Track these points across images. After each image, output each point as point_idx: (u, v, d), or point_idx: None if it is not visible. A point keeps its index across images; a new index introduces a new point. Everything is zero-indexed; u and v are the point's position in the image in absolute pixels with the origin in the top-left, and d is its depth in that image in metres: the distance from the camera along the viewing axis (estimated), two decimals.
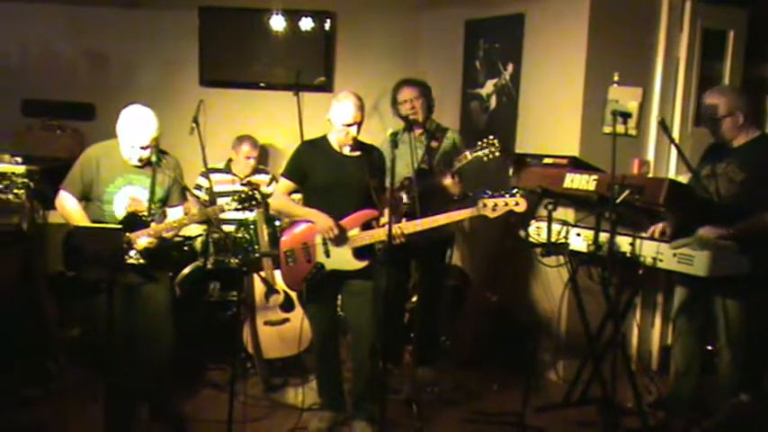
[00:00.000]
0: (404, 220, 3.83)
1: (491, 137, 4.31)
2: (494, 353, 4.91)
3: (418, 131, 4.71)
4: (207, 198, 4.76)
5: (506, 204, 3.72)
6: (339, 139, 3.92)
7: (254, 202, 3.91)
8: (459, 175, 4.48)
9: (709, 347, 4.23)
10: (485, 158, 4.31)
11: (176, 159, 4.02)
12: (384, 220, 3.80)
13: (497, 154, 4.29)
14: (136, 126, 3.75)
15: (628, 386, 4.16)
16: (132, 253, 3.75)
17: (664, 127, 4.08)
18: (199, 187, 5.19)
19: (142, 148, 3.76)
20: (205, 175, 4.97)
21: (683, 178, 4.43)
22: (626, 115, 4.21)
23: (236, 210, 3.92)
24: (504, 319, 4.96)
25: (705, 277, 3.68)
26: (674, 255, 3.78)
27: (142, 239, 3.75)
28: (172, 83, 5.84)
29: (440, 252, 4.86)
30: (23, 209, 4.60)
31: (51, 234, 4.57)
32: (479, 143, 4.33)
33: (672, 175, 4.90)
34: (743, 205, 3.83)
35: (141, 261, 3.78)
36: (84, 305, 3.83)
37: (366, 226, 3.88)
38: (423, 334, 4.79)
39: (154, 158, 3.80)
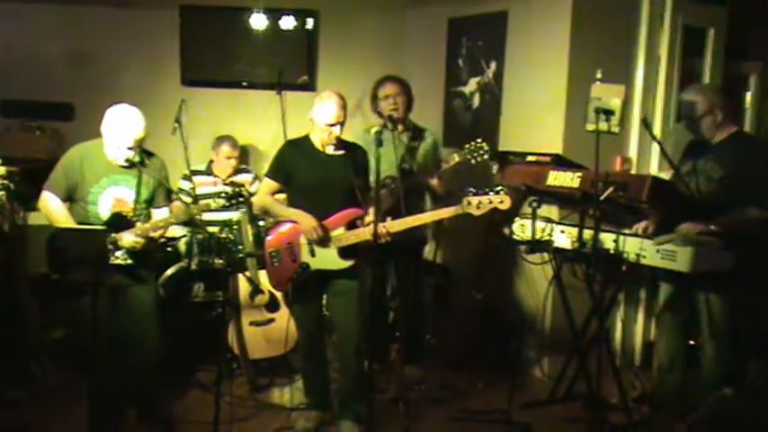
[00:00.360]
0: (388, 218, 3.82)
1: (479, 140, 4.33)
2: (479, 351, 4.92)
3: (399, 129, 4.70)
4: (190, 201, 4.73)
5: (491, 202, 3.72)
6: (322, 139, 3.91)
7: (240, 199, 3.89)
8: (442, 175, 4.49)
9: (692, 342, 4.26)
10: (473, 161, 4.32)
11: (162, 160, 3.99)
12: (369, 218, 3.79)
13: (485, 157, 4.30)
14: (122, 126, 3.71)
15: (612, 382, 4.18)
16: (119, 253, 3.73)
17: (646, 125, 4.12)
18: (181, 191, 5.15)
19: (129, 148, 3.73)
20: (187, 178, 4.94)
21: (665, 175, 4.47)
22: (609, 113, 4.23)
23: (223, 207, 3.90)
24: (489, 317, 4.98)
25: (688, 273, 3.71)
26: (658, 251, 3.80)
27: (128, 238, 3.72)
28: (153, 82, 5.79)
29: (413, 251, 4.86)
30: (4, 210, 4.54)
31: (32, 235, 4.53)
32: (467, 146, 4.33)
33: (654, 171, 4.94)
34: (723, 201, 3.87)
35: (129, 261, 3.75)
36: (69, 307, 3.80)
37: (351, 225, 3.87)
38: (408, 333, 4.79)
39: (137, 159, 3.77)
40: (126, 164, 3.80)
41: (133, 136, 3.72)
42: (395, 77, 4.74)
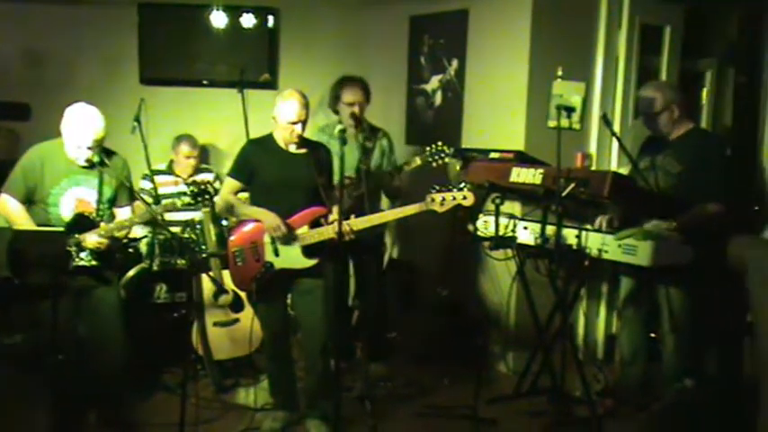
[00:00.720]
0: (352, 216, 3.82)
1: (440, 142, 4.34)
2: (445, 347, 4.94)
3: (357, 130, 4.70)
4: (152, 201, 4.67)
5: (454, 199, 3.73)
6: (285, 138, 3.89)
7: (206, 197, 3.85)
8: (403, 177, 4.52)
9: (653, 335, 4.34)
10: (434, 164, 4.34)
11: (124, 159, 3.94)
12: (333, 217, 3.78)
13: (446, 160, 4.32)
14: (81, 125, 3.66)
15: (576, 376, 4.23)
16: (84, 254, 3.67)
17: (606, 122, 4.17)
18: (143, 190, 5.08)
19: (88, 147, 3.67)
20: (148, 177, 4.88)
21: (624, 170, 4.53)
22: (570, 110, 4.29)
23: (189, 205, 3.85)
24: (454, 314, 5.00)
25: (649, 267, 3.77)
26: (619, 246, 3.87)
27: (92, 238, 3.66)
28: (111, 81, 5.69)
29: (374, 248, 4.87)
30: None
31: None
32: (428, 148, 4.35)
33: (614, 167, 5.00)
34: (681, 196, 3.94)
35: (93, 263, 3.69)
36: (30, 311, 3.73)
37: (315, 224, 3.86)
38: (372, 330, 4.80)
39: (97, 158, 3.71)
40: (86, 164, 3.74)
41: (92, 135, 3.67)
42: (357, 80, 4.69)
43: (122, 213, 3.90)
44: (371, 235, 4.46)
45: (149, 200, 4.69)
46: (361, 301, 4.91)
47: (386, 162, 4.76)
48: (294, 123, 3.81)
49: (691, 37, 5.47)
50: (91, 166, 3.75)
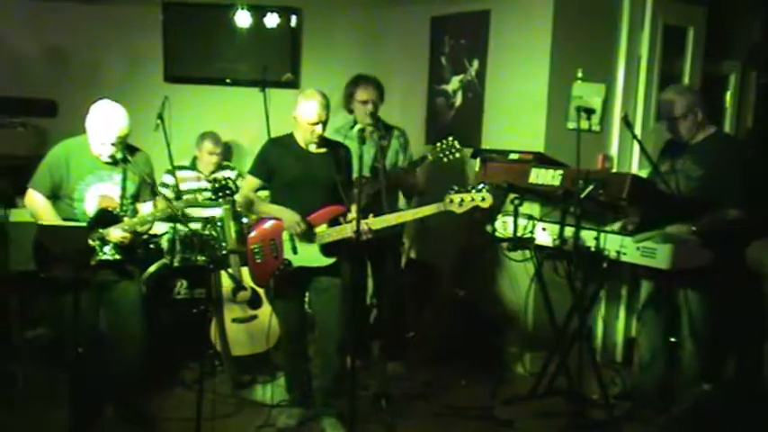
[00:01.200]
0: (370, 216, 3.83)
1: (450, 138, 4.31)
2: (462, 347, 4.94)
3: (367, 129, 4.70)
4: (173, 196, 4.72)
5: (473, 200, 3.73)
6: (305, 137, 3.92)
7: (227, 192, 3.88)
8: (416, 173, 4.52)
9: (673, 339, 4.31)
10: (444, 159, 4.32)
11: (147, 155, 3.99)
12: (351, 216, 3.81)
13: (457, 155, 4.30)
14: (106, 122, 3.71)
15: (593, 378, 4.22)
16: (107, 249, 3.72)
17: (627, 123, 4.14)
18: (165, 185, 5.15)
19: (112, 144, 3.72)
20: (171, 172, 4.93)
21: (645, 173, 4.51)
22: (590, 111, 4.25)
23: (210, 200, 3.89)
24: (471, 314, 5.01)
25: (668, 270, 3.75)
26: (638, 248, 3.85)
27: (116, 233, 3.71)
28: (136, 79, 5.75)
29: (392, 248, 4.87)
30: None
31: (14, 233, 4.49)
32: (438, 144, 4.33)
33: (635, 170, 4.98)
34: (702, 200, 3.91)
35: (117, 257, 3.75)
36: (53, 304, 3.79)
37: (333, 222, 3.88)
38: (390, 329, 4.81)
39: (121, 155, 3.76)
40: (110, 160, 3.79)
41: (116, 132, 3.72)
42: (371, 79, 4.69)
43: (145, 209, 3.95)
44: (390, 234, 4.48)
45: (171, 195, 4.74)
46: (379, 301, 4.93)
47: (400, 160, 4.77)
48: (314, 124, 3.84)
49: (715, 39, 5.43)
50: (115, 162, 3.81)
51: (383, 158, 4.60)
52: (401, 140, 4.81)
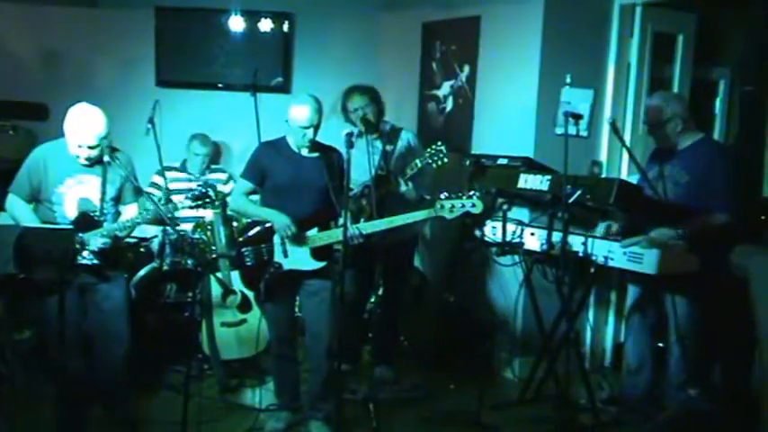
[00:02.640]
0: (362, 221, 3.85)
1: (438, 143, 4.31)
2: (451, 352, 4.95)
3: (374, 135, 4.70)
4: (160, 198, 4.71)
5: (463, 206, 3.76)
6: (297, 141, 3.93)
7: (207, 200, 3.87)
8: (411, 180, 4.50)
9: (660, 345, 4.32)
10: (433, 165, 4.34)
11: (128, 156, 3.96)
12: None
13: (445, 160, 4.30)
14: (82, 125, 3.69)
15: (581, 383, 4.23)
16: (85, 254, 3.71)
17: (614, 128, 4.17)
18: (154, 185, 5.16)
19: (90, 147, 3.71)
20: (160, 173, 4.94)
21: (634, 179, 4.53)
22: (577, 116, 4.29)
23: (190, 208, 3.88)
24: (461, 319, 5.02)
25: (654, 275, 3.77)
26: (625, 253, 3.86)
27: (95, 241, 3.71)
28: (128, 83, 5.78)
29: (403, 254, 4.88)
30: None
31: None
32: (427, 151, 4.33)
33: (624, 175, 5.00)
34: (689, 205, 3.94)
35: (95, 261, 3.74)
36: (37, 307, 3.78)
37: (324, 226, 3.90)
38: (382, 334, 4.81)
39: (106, 158, 3.75)
40: (88, 162, 3.78)
41: (93, 135, 3.69)
42: (361, 88, 4.70)
43: (128, 211, 3.93)
44: (400, 240, 4.48)
45: (158, 194, 4.74)
46: (381, 305, 4.89)
47: (408, 163, 4.73)
48: (306, 128, 3.85)
49: (704, 46, 5.46)
50: (93, 164, 3.79)
51: (387, 164, 4.59)
52: (406, 142, 4.78)
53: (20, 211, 3.77)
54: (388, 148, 4.67)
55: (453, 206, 3.76)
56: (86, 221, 3.72)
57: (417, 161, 4.40)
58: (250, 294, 4.62)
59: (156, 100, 4.64)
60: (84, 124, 3.69)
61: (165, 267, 4.85)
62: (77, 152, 3.73)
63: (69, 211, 3.76)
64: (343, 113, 4.75)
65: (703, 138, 4.14)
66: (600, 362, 5.19)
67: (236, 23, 5.81)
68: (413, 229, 4.71)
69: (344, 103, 4.72)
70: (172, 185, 5.00)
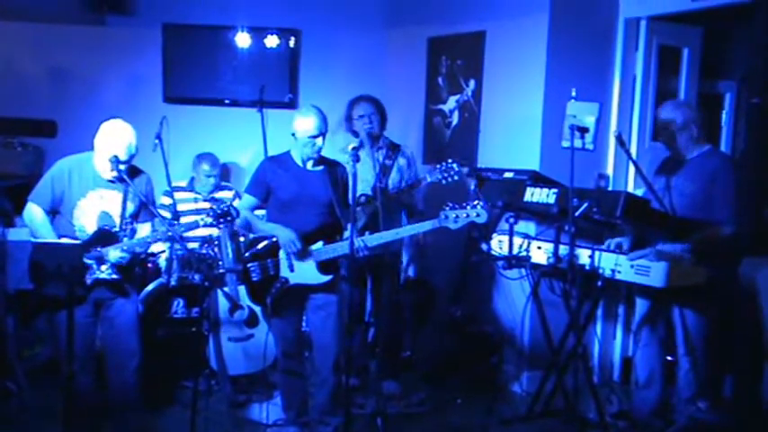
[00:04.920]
0: (366, 233, 3.86)
1: (450, 160, 4.34)
2: (458, 366, 4.93)
3: (375, 147, 4.73)
4: (170, 217, 4.73)
5: (468, 216, 3.76)
6: (304, 152, 3.95)
7: (229, 218, 3.86)
8: (415, 195, 4.52)
9: (670, 358, 4.30)
10: (443, 182, 4.35)
11: (148, 176, 4.03)
12: (348, 233, 3.82)
13: (456, 178, 4.32)
14: (116, 139, 3.75)
15: (590, 397, 4.21)
16: (104, 267, 3.74)
17: (620, 141, 4.16)
18: (162, 205, 5.16)
19: (120, 161, 3.76)
20: (168, 193, 4.95)
21: (641, 191, 4.52)
22: (583, 130, 4.29)
23: (211, 225, 3.89)
24: (468, 333, 5.00)
25: (662, 288, 3.75)
26: (632, 266, 3.85)
27: (114, 253, 3.73)
28: (136, 99, 5.81)
29: (391, 266, 4.88)
30: None
31: (12, 251, 4.51)
32: (438, 166, 4.36)
33: (630, 188, 5.00)
34: (696, 218, 3.93)
35: (113, 276, 3.76)
36: (49, 322, 3.80)
37: (330, 240, 3.90)
38: (387, 348, 4.81)
39: (124, 174, 3.79)
40: (113, 178, 3.82)
41: (125, 150, 3.75)
42: (368, 97, 4.79)
43: (144, 229, 3.97)
44: (387, 252, 4.50)
45: (168, 215, 4.76)
46: (377, 319, 4.92)
47: (405, 178, 4.78)
48: (314, 136, 3.87)
49: (710, 59, 5.46)
50: (116, 180, 3.83)
51: (386, 178, 4.63)
52: (405, 160, 4.82)
53: (37, 223, 3.80)
54: (387, 162, 4.70)
55: (458, 216, 3.76)
56: (105, 236, 3.75)
57: (427, 175, 4.42)
58: (257, 309, 4.62)
59: (164, 116, 4.66)
60: (117, 138, 3.74)
61: (173, 283, 4.85)
62: (105, 166, 3.77)
63: (89, 224, 3.79)
64: (347, 122, 4.78)
65: (711, 149, 4.13)
66: (608, 376, 5.16)
67: (243, 40, 5.85)
68: (395, 245, 4.71)
69: (349, 111, 4.76)
70: (180, 206, 5.02)
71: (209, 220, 3.83)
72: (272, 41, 5.90)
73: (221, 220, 3.85)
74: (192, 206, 5.23)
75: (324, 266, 3.90)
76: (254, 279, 3.95)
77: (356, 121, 4.70)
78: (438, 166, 4.37)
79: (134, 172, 3.91)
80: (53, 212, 3.85)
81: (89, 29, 5.78)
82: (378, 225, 4.02)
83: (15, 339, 4.65)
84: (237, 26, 5.83)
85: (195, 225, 3.85)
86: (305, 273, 3.90)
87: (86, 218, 3.81)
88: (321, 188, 3.93)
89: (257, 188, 4.02)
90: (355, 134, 4.73)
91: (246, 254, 4.02)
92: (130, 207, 3.90)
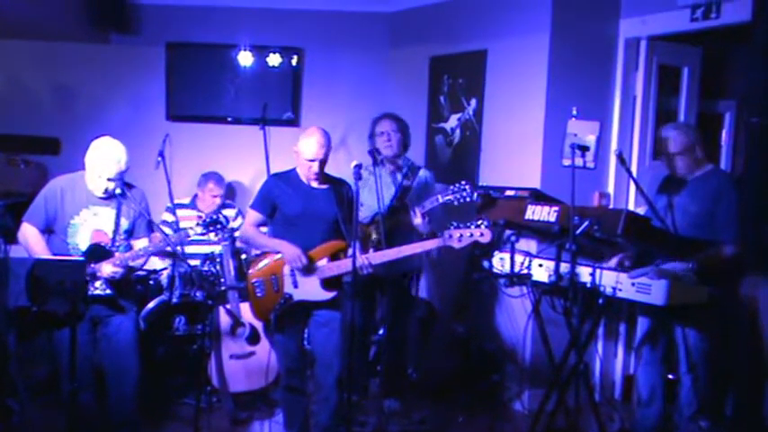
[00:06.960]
0: (371, 250, 3.87)
1: (464, 182, 4.34)
2: (460, 384, 4.93)
3: (389, 167, 4.74)
4: (171, 232, 4.75)
5: (471, 235, 3.77)
6: (301, 173, 3.98)
7: (218, 226, 3.90)
8: (428, 214, 4.51)
9: (671, 376, 4.30)
10: (455, 203, 4.36)
11: (142, 191, 4.03)
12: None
13: (468, 199, 4.33)
14: (105, 157, 3.77)
15: (592, 415, 4.20)
16: (98, 283, 3.75)
17: (621, 160, 4.18)
18: (165, 222, 5.19)
19: (109, 179, 3.78)
20: (171, 210, 4.98)
21: (642, 210, 4.54)
22: (584, 148, 4.31)
23: (201, 234, 3.91)
24: (470, 351, 5.00)
25: (663, 306, 3.76)
26: (633, 284, 3.86)
27: (107, 268, 3.74)
28: (139, 117, 5.85)
29: (404, 285, 4.89)
30: None
31: (13, 269, 4.52)
32: (451, 187, 4.36)
33: (631, 206, 5.01)
34: (698, 236, 3.94)
35: (107, 291, 3.77)
36: (49, 339, 3.80)
37: (334, 257, 3.92)
38: (390, 366, 4.80)
39: (118, 191, 3.81)
40: (105, 195, 3.83)
41: (115, 167, 3.77)
42: (392, 115, 4.77)
43: (139, 245, 3.98)
44: (400, 271, 4.49)
45: (169, 231, 4.78)
46: (387, 336, 4.89)
47: (425, 198, 4.73)
48: (311, 161, 3.90)
49: (710, 78, 5.50)
50: (109, 197, 3.85)
51: (402, 198, 4.61)
52: (426, 182, 4.79)
53: (32, 241, 3.81)
54: (406, 183, 4.70)
55: (462, 235, 3.78)
56: (98, 253, 3.76)
57: (439, 196, 4.41)
58: (259, 326, 4.63)
59: (167, 134, 4.70)
60: (106, 156, 3.76)
61: (175, 300, 4.86)
62: (96, 184, 3.80)
63: (82, 242, 3.81)
64: (370, 140, 4.76)
65: (713, 168, 4.15)
66: (610, 394, 5.15)
67: (246, 59, 5.90)
68: (413, 263, 4.72)
69: (373, 128, 4.75)
70: (182, 223, 5.03)
71: (199, 230, 3.86)
72: (274, 60, 5.95)
73: (210, 228, 3.87)
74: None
75: (328, 283, 3.91)
76: (258, 295, 3.96)
77: (377, 138, 4.71)
78: (451, 186, 4.37)
79: (128, 188, 3.92)
80: (48, 231, 3.87)
81: (93, 47, 5.83)
82: (394, 243, 4.00)
83: (16, 358, 4.66)
84: (240, 45, 5.89)
85: (186, 235, 3.86)
86: (309, 289, 3.91)
87: (80, 235, 3.82)
88: (326, 205, 3.95)
89: (263, 204, 4.03)
90: (377, 152, 4.72)
91: (250, 270, 4.03)
92: (124, 224, 3.91)
